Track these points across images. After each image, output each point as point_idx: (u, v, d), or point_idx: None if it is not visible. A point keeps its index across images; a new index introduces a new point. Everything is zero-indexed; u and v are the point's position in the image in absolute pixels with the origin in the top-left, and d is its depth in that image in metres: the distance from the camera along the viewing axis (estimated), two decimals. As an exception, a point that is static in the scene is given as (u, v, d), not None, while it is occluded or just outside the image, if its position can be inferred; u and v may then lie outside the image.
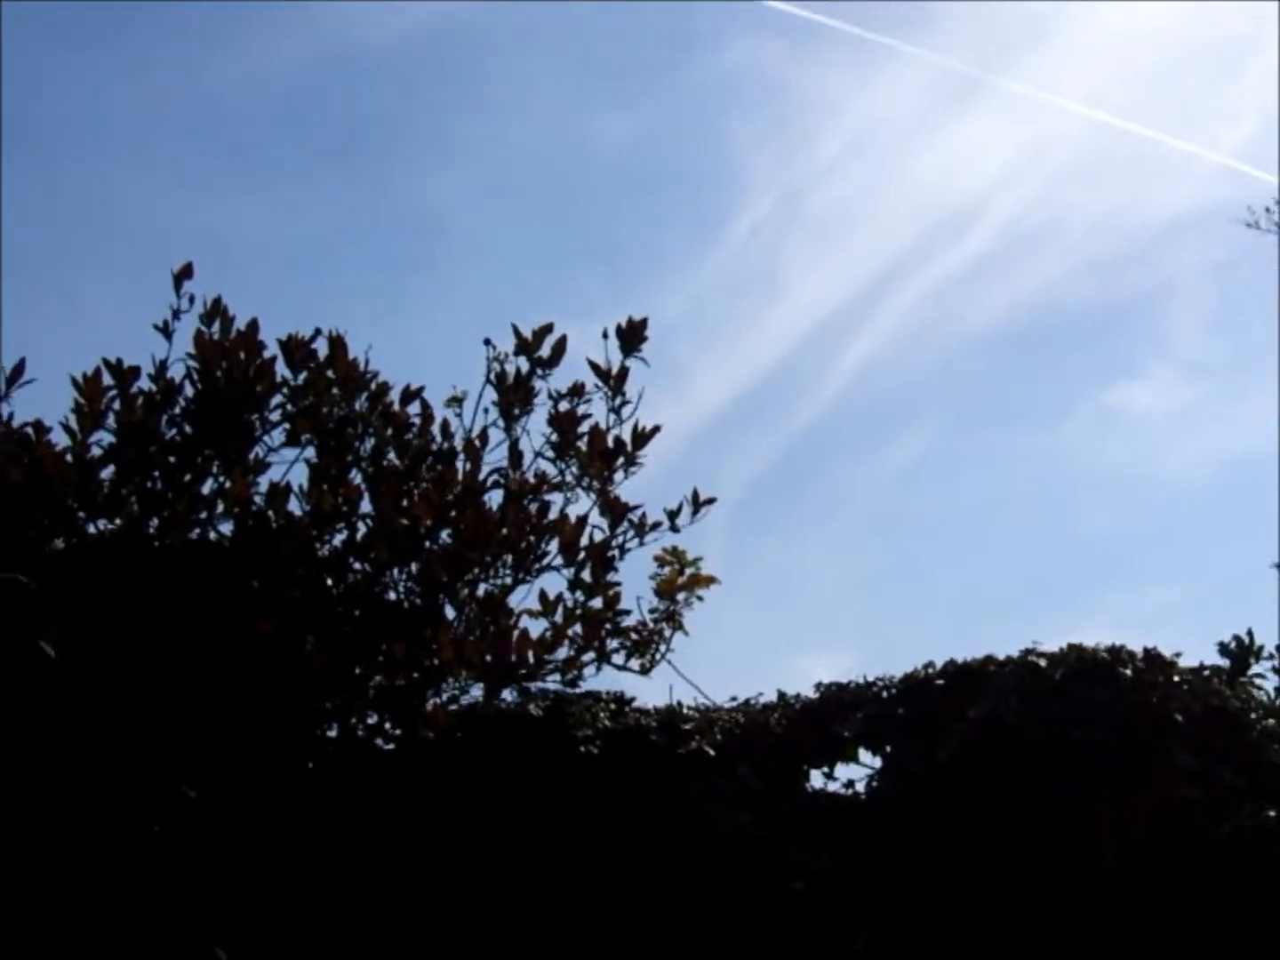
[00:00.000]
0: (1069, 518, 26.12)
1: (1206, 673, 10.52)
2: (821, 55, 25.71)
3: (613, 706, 10.15)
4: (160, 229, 23.53)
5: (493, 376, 9.92)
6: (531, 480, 9.85)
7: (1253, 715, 10.32)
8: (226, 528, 9.76)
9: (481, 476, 9.69)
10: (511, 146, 26.70)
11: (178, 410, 9.81)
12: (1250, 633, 11.61)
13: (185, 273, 9.91)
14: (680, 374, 23.75)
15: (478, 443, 9.76)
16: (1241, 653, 11.51)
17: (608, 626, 9.74)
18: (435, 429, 9.79)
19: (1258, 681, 11.31)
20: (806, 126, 26.36)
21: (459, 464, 9.74)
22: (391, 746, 9.87)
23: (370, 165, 26.11)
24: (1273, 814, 9.90)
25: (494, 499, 9.79)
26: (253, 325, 9.84)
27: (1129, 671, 10.06)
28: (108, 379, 9.75)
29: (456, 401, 9.99)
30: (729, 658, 18.07)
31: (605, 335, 9.95)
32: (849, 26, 24.15)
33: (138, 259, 22.65)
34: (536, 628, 9.69)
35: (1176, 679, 10.15)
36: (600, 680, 10.00)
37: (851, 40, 24.40)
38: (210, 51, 24.83)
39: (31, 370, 9.85)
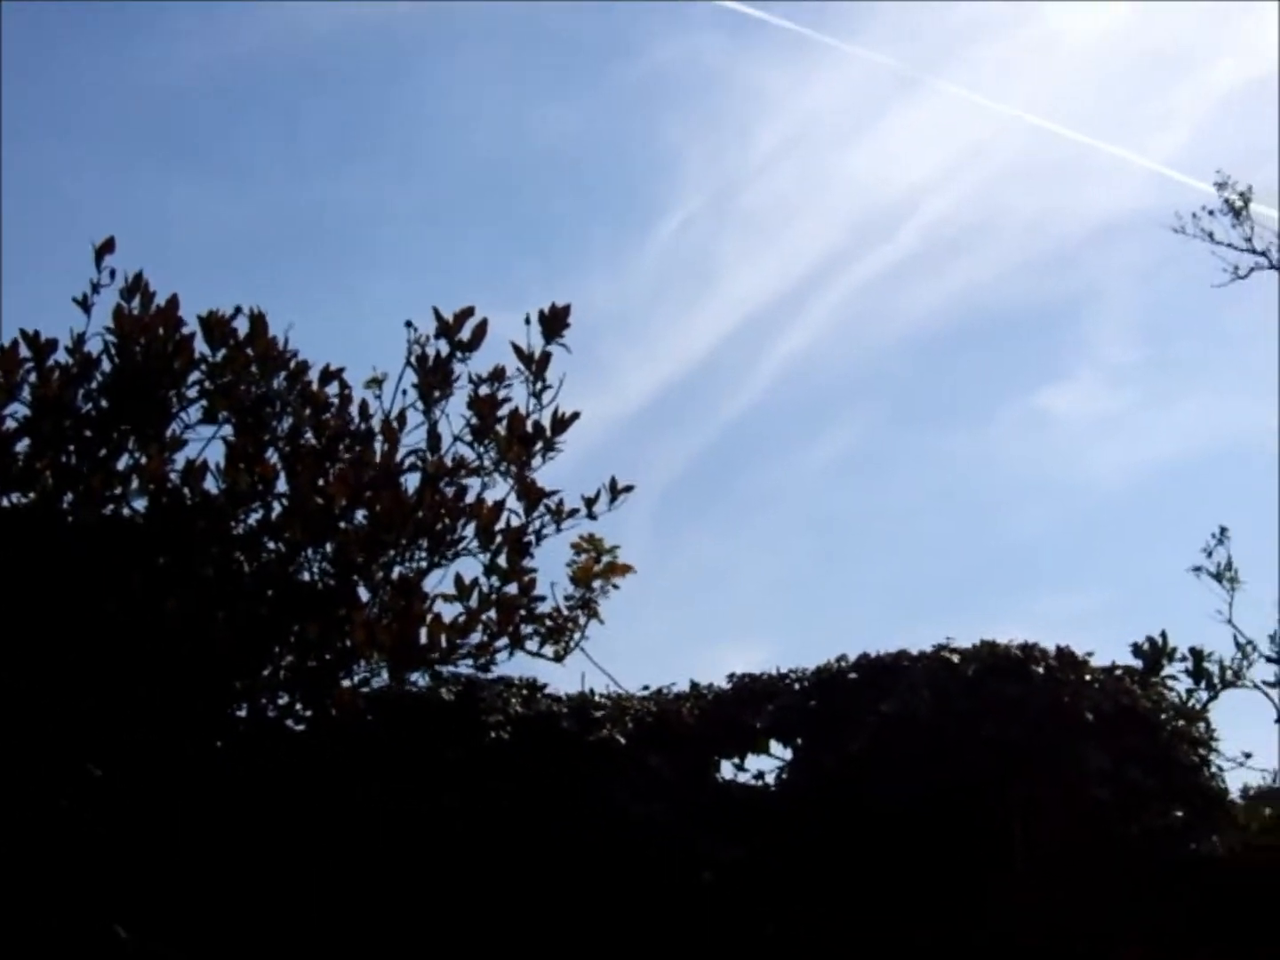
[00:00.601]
0: (993, 521, 26.14)
1: (1119, 673, 10.57)
2: (759, 51, 25.67)
3: (525, 693, 10.14)
4: (93, 211, 23.35)
5: (413, 359, 9.85)
6: (449, 464, 9.80)
7: (1163, 716, 10.38)
8: (141, 504, 9.68)
9: (399, 458, 9.63)
10: (448, 139, 26.64)
11: (94, 385, 9.72)
12: (1164, 634, 11.70)
13: (106, 247, 9.80)
14: (608, 366, 23.70)
15: (396, 424, 9.70)
16: (1154, 654, 11.59)
17: (522, 612, 9.70)
18: (354, 410, 9.72)
19: (1169, 683, 11.38)
20: (742, 122, 26.35)
21: (377, 445, 9.69)
22: (302, 728, 9.81)
23: (306, 155, 26.01)
24: (1180, 814, 9.97)
25: (411, 482, 9.74)
26: (173, 301, 9.75)
27: (1041, 669, 10.11)
28: (24, 351, 9.65)
29: (376, 383, 9.92)
30: (647, 648, 18.02)
31: (528, 320, 9.89)
32: (787, 23, 24.13)
33: (64, 236, 22.46)
34: (450, 611, 9.65)
35: (1089, 678, 10.20)
36: (513, 666, 9.98)
37: (790, 37, 24.38)
38: (156, 42, 24.72)
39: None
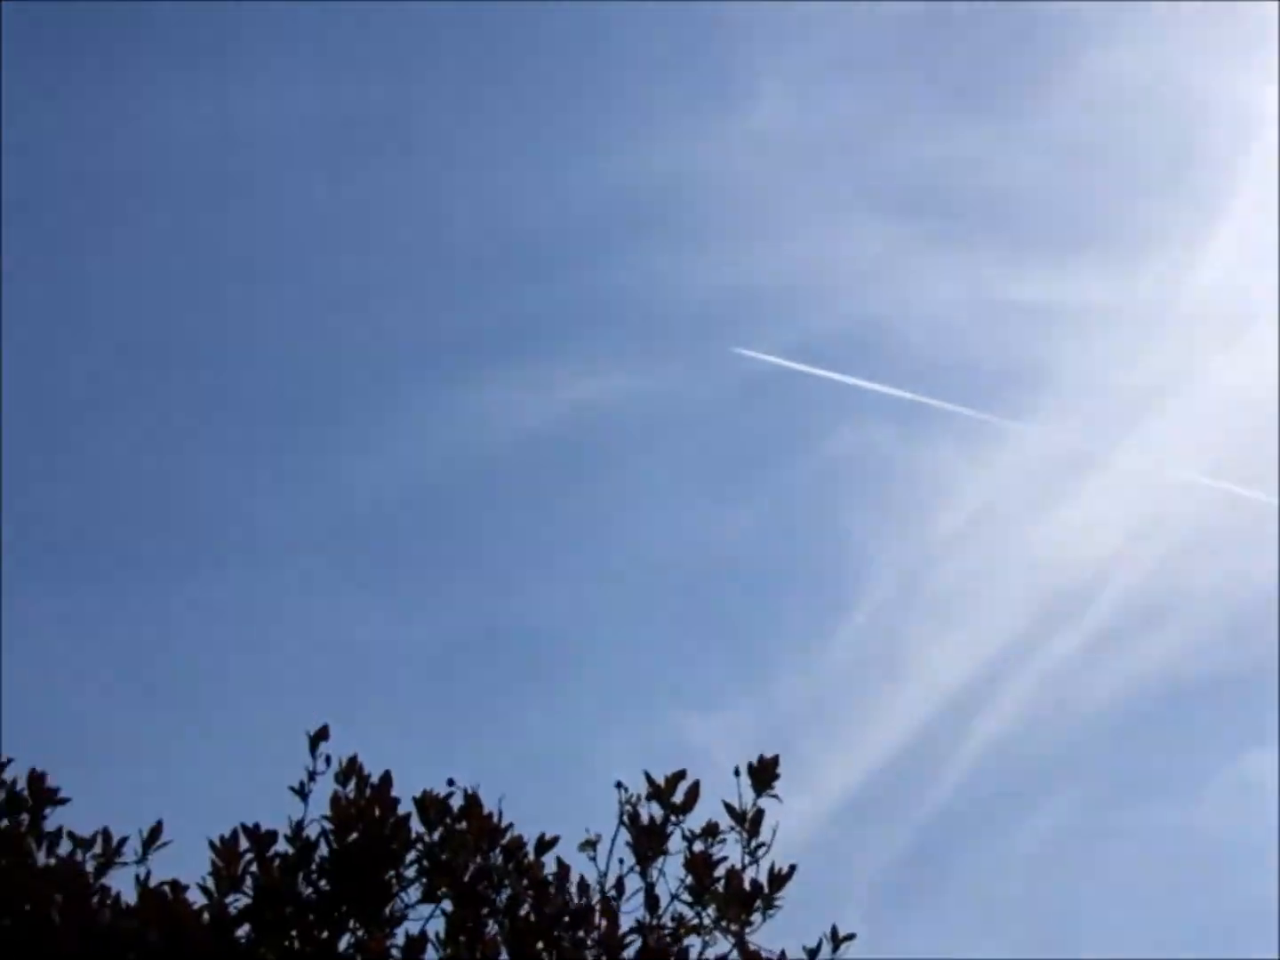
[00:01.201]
0: (1208, 892, 25.51)
1: None
2: (931, 435, 26.14)
3: None
4: (294, 640, 23.94)
5: (625, 818, 9.92)
6: (669, 922, 9.78)
7: None
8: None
9: (620, 933, 9.62)
10: (630, 544, 27.13)
11: (314, 869, 9.85)
12: None
13: (322, 735, 10.06)
14: (808, 761, 23.64)
15: (614, 893, 9.72)
16: None
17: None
18: (573, 887, 9.75)
19: None
20: (920, 507, 26.73)
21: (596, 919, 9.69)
22: None
23: (489, 571, 26.57)
24: None
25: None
26: (386, 781, 9.92)
27: None
28: (244, 842, 9.82)
29: (590, 845, 9.96)
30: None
31: (736, 773, 9.98)
32: (956, 407, 24.50)
33: (276, 679, 22.99)
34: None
35: None
36: None
37: (960, 419, 24.76)
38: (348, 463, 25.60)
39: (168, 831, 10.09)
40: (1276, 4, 24.21)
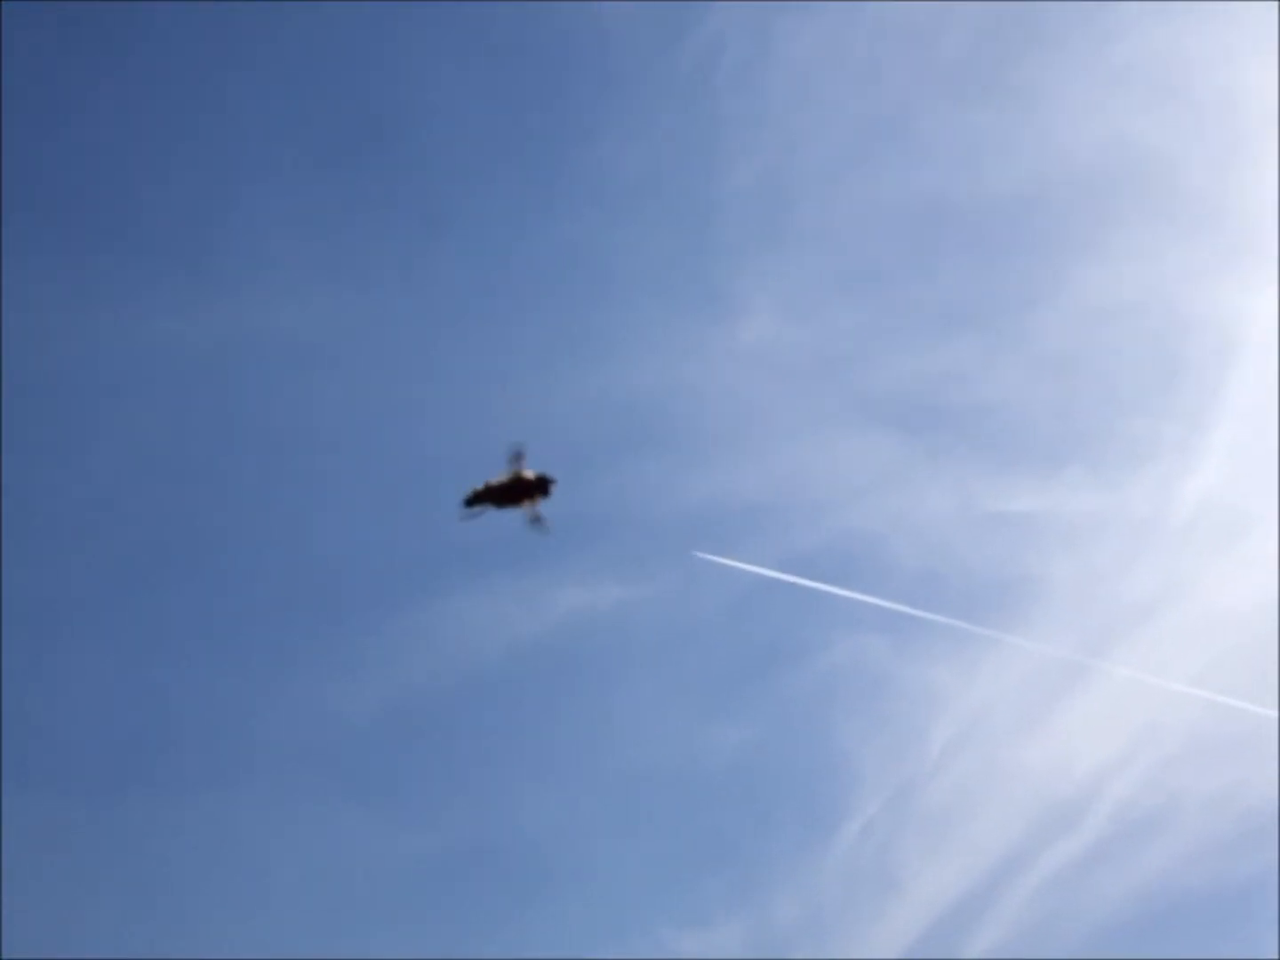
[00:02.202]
0: None
1: None
2: (923, 647, 26.12)
3: None
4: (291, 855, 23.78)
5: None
6: None
7: None
8: None
9: None
10: (622, 757, 27.01)
11: None
12: None
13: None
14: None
15: None
16: None
17: None
18: None
19: None
20: (913, 720, 26.62)
21: None
22: None
23: (482, 784, 26.45)
24: None
25: None
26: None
27: None
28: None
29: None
30: None
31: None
32: (948, 619, 24.56)
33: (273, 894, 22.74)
34: None
35: None
36: None
37: (952, 631, 24.80)
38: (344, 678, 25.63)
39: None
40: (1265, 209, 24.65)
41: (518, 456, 8.81)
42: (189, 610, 25.94)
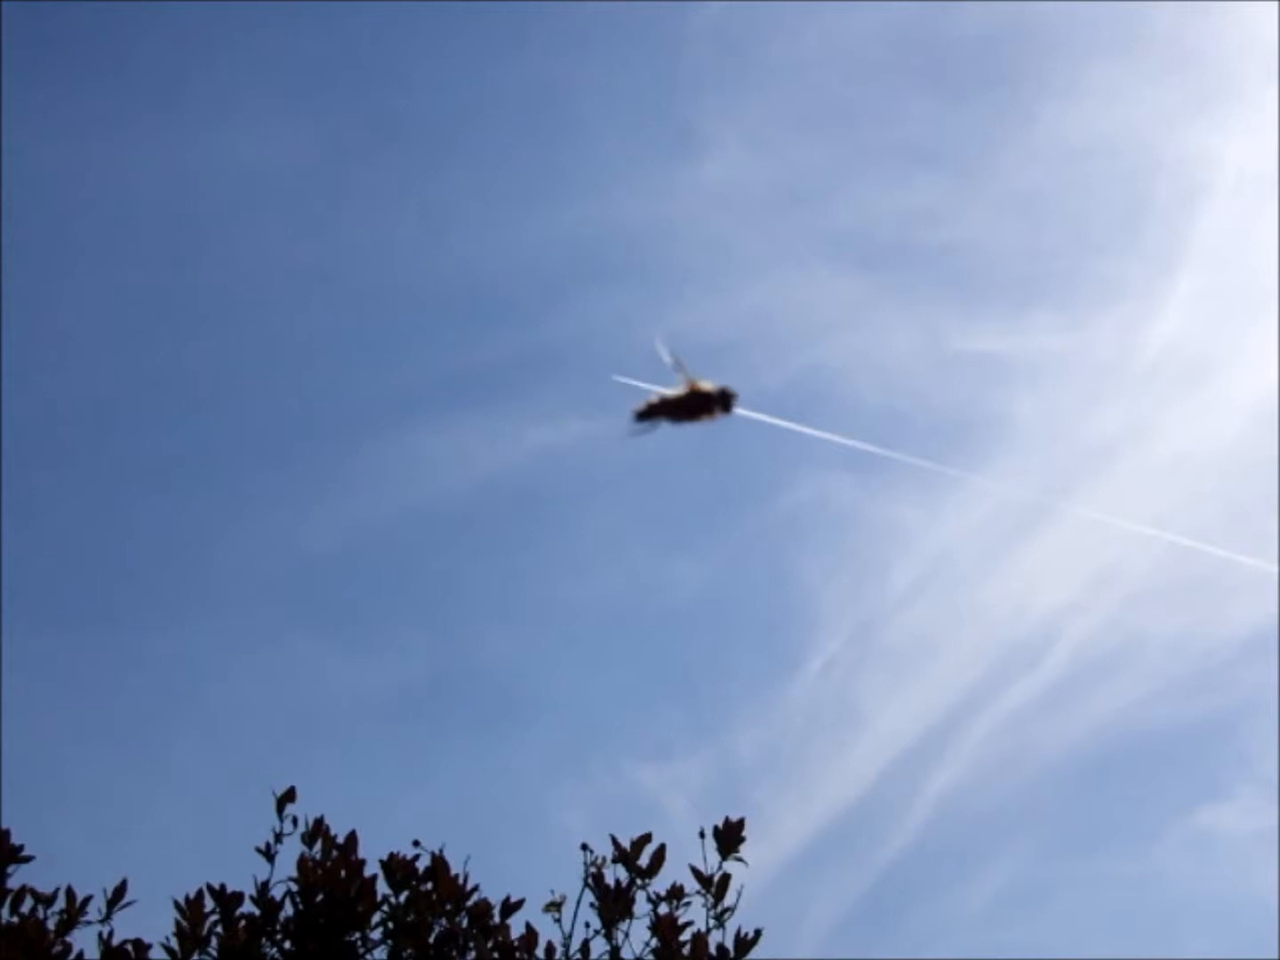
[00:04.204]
0: (1163, 945, 25.52)
1: None
2: (886, 486, 26.16)
3: None
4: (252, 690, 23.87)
5: (590, 880, 9.94)
6: (633, 985, 9.80)
7: None
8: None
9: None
10: (585, 593, 27.12)
11: (279, 928, 9.84)
12: None
13: (288, 796, 10.08)
14: (765, 813, 23.60)
15: (579, 956, 9.74)
16: None
17: None
18: (540, 951, 9.76)
19: None
20: (877, 559, 26.69)
21: (563, 980, 9.70)
22: None
23: (444, 622, 26.54)
24: None
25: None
26: (351, 841, 9.92)
27: None
28: (209, 903, 9.80)
29: (555, 907, 9.97)
30: None
31: (702, 835, 10.02)
32: (912, 458, 24.60)
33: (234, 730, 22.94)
34: None
35: None
36: None
37: (916, 470, 24.89)
38: (305, 511, 25.61)
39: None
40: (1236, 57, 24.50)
41: (679, 365, 8.79)
42: (147, 443, 25.82)
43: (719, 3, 26.26)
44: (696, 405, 11.76)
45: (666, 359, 9.46)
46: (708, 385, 11.34)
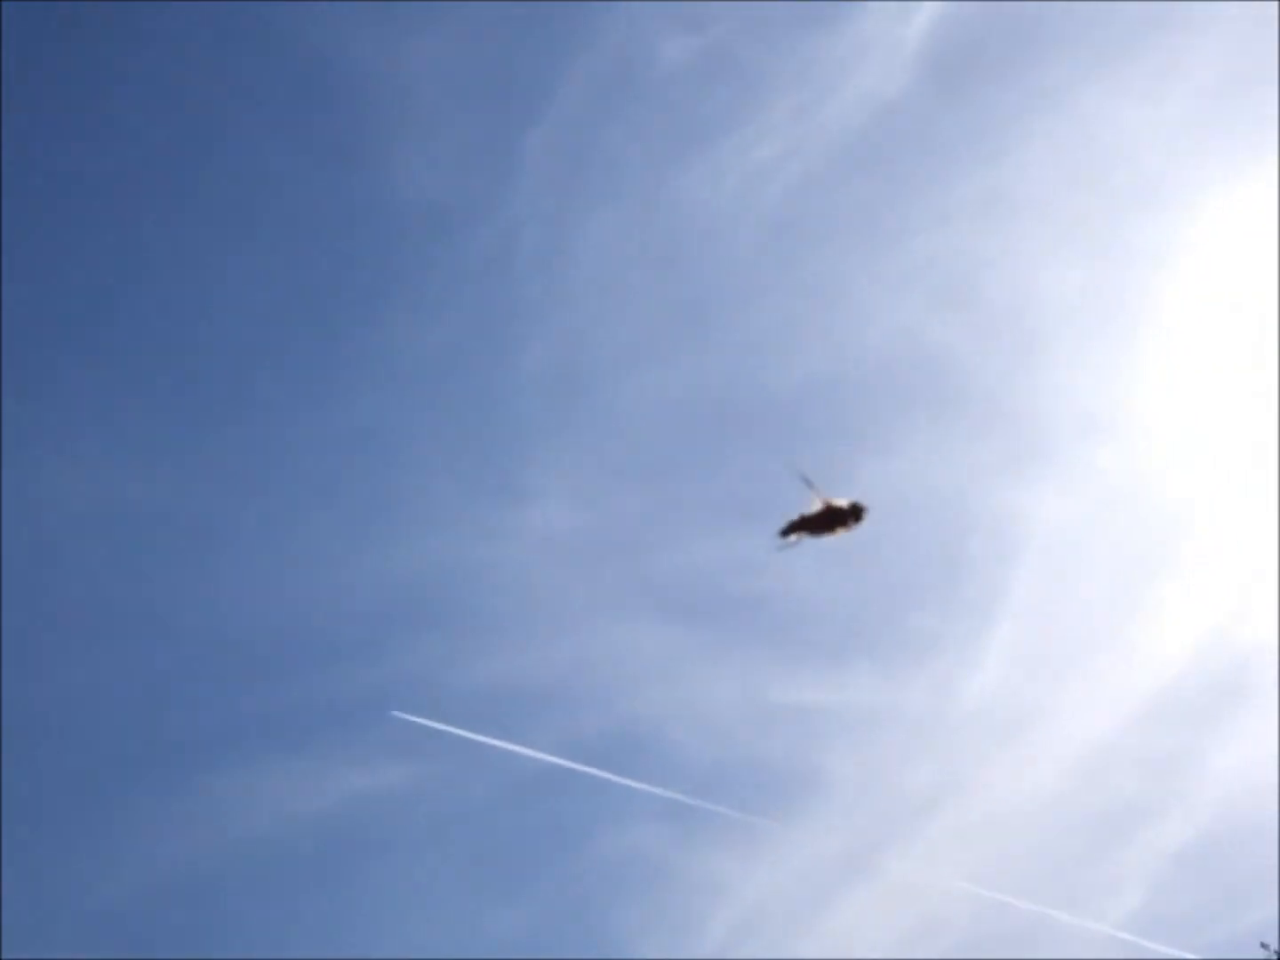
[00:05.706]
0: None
1: None
2: (704, 837, 25.94)
3: None
4: None
5: None
6: None
7: None
8: None
9: None
10: (391, 943, 26.48)
11: None
12: None
13: None
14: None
15: None
16: None
17: None
18: None
19: None
20: (691, 909, 26.33)
21: None
22: None
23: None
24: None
25: None
26: None
27: None
28: None
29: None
30: None
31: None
32: (729, 810, 24.45)
33: None
34: None
35: None
36: None
37: (737, 823, 24.69)
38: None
39: None
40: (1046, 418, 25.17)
41: (813, 486, 9.07)
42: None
43: (546, 353, 26.73)
44: (832, 519, 12.17)
45: (801, 479, 9.56)
46: (841, 501, 11.66)
